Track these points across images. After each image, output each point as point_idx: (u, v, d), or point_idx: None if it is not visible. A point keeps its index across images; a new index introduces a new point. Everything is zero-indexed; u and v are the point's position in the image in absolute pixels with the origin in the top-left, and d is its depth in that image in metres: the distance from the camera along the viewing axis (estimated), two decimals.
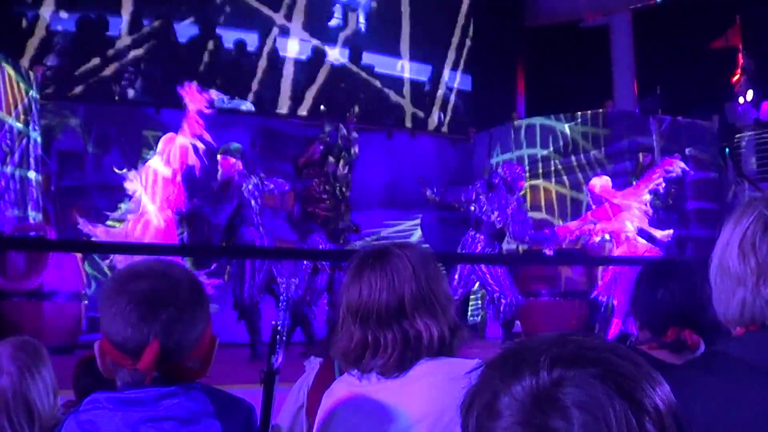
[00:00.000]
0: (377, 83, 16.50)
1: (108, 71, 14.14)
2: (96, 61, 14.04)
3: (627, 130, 13.66)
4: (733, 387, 1.60)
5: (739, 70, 15.17)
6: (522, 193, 11.34)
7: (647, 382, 1.11)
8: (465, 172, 15.30)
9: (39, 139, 11.12)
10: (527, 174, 13.74)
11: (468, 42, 17.27)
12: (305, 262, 10.56)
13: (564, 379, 1.07)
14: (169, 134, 9.45)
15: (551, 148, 13.66)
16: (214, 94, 9.47)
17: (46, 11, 13.86)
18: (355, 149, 11.30)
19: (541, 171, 13.92)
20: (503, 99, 16.70)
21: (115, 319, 2.05)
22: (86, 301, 10.23)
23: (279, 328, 3.30)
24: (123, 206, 9.63)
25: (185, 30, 15.03)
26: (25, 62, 12.45)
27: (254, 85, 15.42)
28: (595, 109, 13.90)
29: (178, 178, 9.32)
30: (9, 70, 10.63)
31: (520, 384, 1.09)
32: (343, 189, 11.04)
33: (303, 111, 15.68)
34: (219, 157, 9.73)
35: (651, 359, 2.75)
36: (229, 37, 15.36)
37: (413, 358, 2.36)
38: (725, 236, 1.75)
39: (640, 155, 12.50)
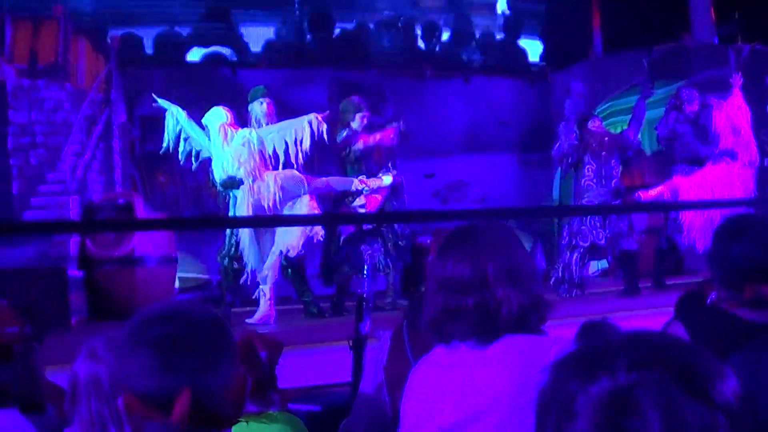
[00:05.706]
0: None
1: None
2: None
3: (705, 62, 13.36)
4: None
5: None
6: None
7: (719, 379, 1.14)
8: (545, 113, 15.15)
9: (122, 107, 11.34)
10: (603, 113, 13.61)
11: None
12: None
13: (641, 381, 1.11)
14: None
15: (629, 85, 13.44)
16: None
17: None
18: None
19: (618, 108, 13.73)
20: (579, 36, 16.47)
21: (136, 370, 1.92)
22: (177, 264, 10.33)
23: (365, 296, 3.41)
24: None
25: None
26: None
27: None
28: (672, 41, 13.64)
29: None
30: (87, 41, 10.84)
31: (597, 385, 1.12)
32: None
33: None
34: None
35: (731, 317, 2.76)
36: None
37: (493, 330, 2.44)
38: None
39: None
